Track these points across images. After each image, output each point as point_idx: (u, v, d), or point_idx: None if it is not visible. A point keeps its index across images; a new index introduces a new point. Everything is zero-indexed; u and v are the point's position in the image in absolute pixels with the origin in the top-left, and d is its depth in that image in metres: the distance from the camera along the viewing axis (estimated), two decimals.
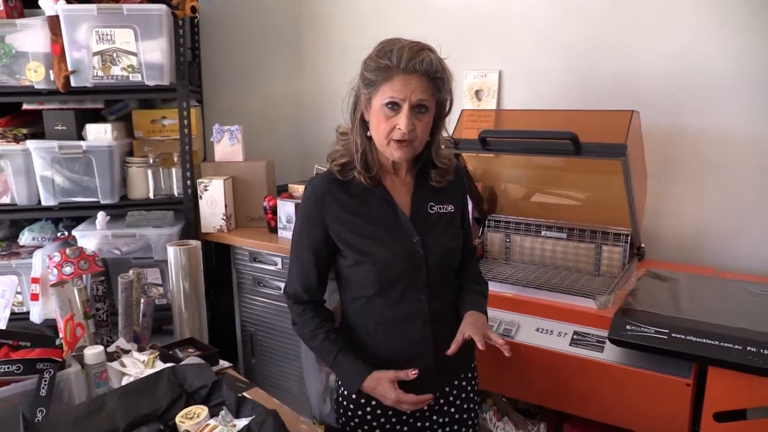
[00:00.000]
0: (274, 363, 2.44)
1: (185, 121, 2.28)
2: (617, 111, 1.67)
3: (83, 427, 1.12)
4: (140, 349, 1.61)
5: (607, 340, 1.46)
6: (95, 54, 2.09)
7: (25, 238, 2.30)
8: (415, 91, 1.13)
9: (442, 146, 1.27)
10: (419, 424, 1.32)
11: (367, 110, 1.20)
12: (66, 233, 2.33)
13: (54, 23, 2.05)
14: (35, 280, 2.04)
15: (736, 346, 1.27)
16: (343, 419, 1.36)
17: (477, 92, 2.40)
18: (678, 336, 1.33)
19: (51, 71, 2.11)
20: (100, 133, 2.21)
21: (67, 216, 2.37)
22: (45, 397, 1.22)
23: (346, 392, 1.33)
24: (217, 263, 2.61)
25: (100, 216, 2.21)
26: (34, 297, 2.10)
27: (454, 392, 1.34)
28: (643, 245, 1.94)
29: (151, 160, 2.32)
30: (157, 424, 1.20)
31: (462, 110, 1.92)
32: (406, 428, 1.31)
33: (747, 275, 1.83)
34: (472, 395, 1.39)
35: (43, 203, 2.20)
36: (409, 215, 1.24)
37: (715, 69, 1.89)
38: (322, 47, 2.86)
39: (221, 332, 2.57)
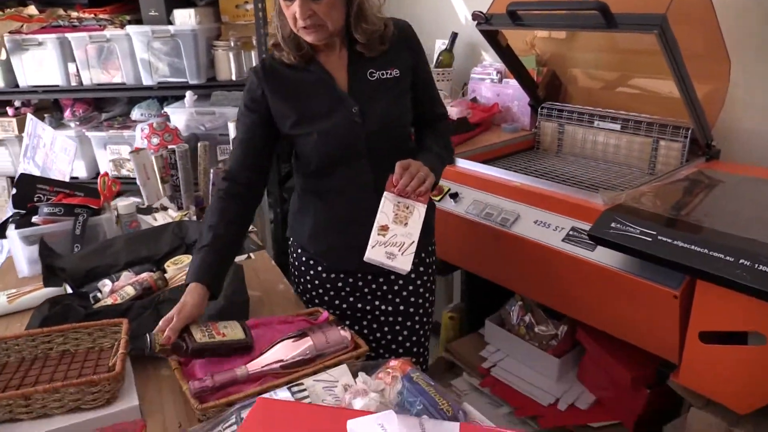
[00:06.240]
0: None
1: (260, 5, 2.37)
2: None
3: (88, 260, 1.38)
4: (197, 212, 1.87)
5: None
6: None
7: (136, 113, 2.68)
8: None
9: (371, 14, 1.19)
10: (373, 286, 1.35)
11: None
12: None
13: None
14: (136, 149, 2.39)
15: (728, 257, 1.07)
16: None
17: None
18: (664, 239, 1.16)
19: None
20: (185, 18, 2.40)
21: (164, 95, 2.67)
22: (79, 236, 1.50)
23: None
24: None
25: (188, 95, 2.46)
26: None
27: None
28: (714, 143, 1.64)
29: (232, 44, 2.48)
30: (150, 266, 1.42)
31: None
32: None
33: None
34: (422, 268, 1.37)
35: (144, 83, 2.51)
36: (348, 86, 1.22)
37: None
38: None
39: None
